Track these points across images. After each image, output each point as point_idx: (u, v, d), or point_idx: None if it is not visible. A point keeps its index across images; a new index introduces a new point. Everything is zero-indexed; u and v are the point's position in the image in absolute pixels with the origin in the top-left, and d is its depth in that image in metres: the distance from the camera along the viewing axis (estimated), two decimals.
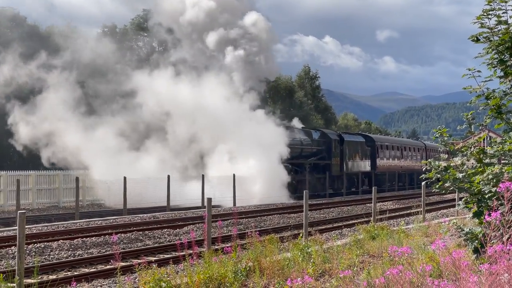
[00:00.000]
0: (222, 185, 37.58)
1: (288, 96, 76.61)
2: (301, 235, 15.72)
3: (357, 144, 52.66)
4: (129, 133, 42.21)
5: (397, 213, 29.80)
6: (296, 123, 49.71)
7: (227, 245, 13.47)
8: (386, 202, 38.78)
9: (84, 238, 20.09)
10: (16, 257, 9.94)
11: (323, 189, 46.80)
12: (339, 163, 49.30)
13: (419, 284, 8.14)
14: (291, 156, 43.07)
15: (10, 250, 17.45)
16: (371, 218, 20.99)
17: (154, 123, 42.68)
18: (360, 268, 11.83)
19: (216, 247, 13.82)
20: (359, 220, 25.97)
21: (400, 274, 8.35)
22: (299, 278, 9.30)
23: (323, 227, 24.43)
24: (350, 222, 26.30)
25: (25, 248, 10.65)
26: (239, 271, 11.00)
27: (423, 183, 25.42)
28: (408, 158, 63.23)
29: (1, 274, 9.70)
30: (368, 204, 34.93)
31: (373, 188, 21.62)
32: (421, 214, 24.20)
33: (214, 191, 35.72)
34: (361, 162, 52.61)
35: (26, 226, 10.74)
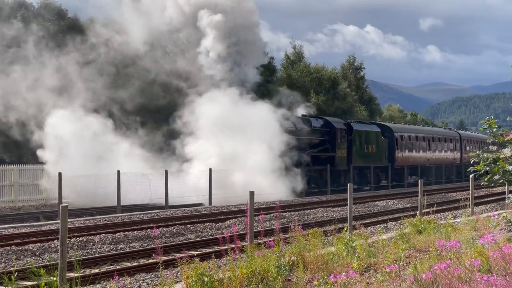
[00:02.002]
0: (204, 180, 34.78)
1: (332, 88, 76.29)
2: (345, 229, 15.66)
3: (370, 134, 47.52)
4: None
5: (444, 207, 29.50)
6: (299, 110, 45.55)
7: (270, 239, 13.49)
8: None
9: (126, 232, 20.28)
10: (59, 251, 10.07)
11: (325, 185, 42.13)
12: (346, 155, 44.35)
13: (468, 280, 8.06)
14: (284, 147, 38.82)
15: (52, 244, 17.70)
16: (417, 212, 20.82)
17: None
18: (407, 263, 11.74)
19: (259, 241, 13.84)
20: (404, 214, 25.79)
21: (448, 269, 8.28)
22: (343, 273, 9.28)
23: (367, 221, 24.32)
24: (396, 215, 26.14)
25: (67, 242, 10.78)
26: (282, 265, 11.00)
27: (471, 175, 25.15)
28: (437, 150, 57.95)
29: (42, 269, 9.83)
30: (413, 198, 34.62)
31: (419, 181, 21.41)
32: (469, 207, 23.94)
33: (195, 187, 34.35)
34: (376, 154, 47.58)
35: (68, 220, 10.88)
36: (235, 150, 36.92)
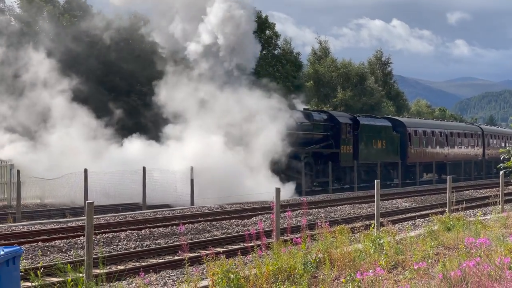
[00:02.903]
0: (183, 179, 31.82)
1: (359, 83, 76.10)
2: (372, 225, 15.61)
3: (379, 129, 44.95)
4: None
5: (474, 203, 29.30)
6: (298, 104, 43.32)
7: (297, 236, 13.46)
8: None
9: (151, 229, 20.37)
10: (85, 247, 10.14)
11: (327, 183, 40.05)
12: (352, 152, 41.88)
13: (497, 277, 8.00)
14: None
15: (78, 240, 17.83)
16: (446, 209, 20.69)
17: None
18: (435, 260, 11.68)
19: (285, 238, 13.83)
20: (433, 211, 25.65)
21: (477, 266, 8.23)
22: (370, 270, 9.25)
23: (395, 218, 24.22)
24: (424, 212, 26.00)
25: (93, 238, 10.87)
26: (309, 262, 10.99)
27: (501, 172, 24.96)
28: (456, 146, 55.48)
29: (69, 264, 9.91)
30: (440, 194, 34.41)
31: (448, 177, 21.27)
32: (499, 204, 23.74)
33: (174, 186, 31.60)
34: (386, 150, 44.96)
35: (94, 216, 10.96)
36: (223, 144, 34.15)
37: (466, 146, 57.64)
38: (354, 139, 42.14)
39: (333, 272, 10.98)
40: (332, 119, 41.65)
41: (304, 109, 42.28)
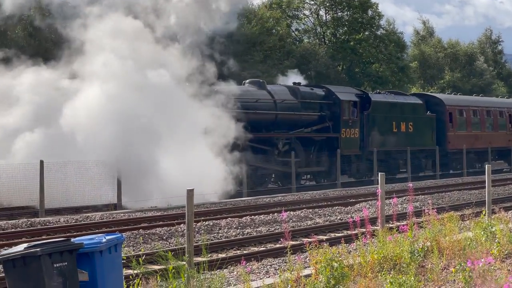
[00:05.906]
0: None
1: (468, 64, 74.41)
2: (483, 212, 15.25)
3: (403, 108, 37.38)
4: None
5: None
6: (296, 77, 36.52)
7: (403, 223, 13.30)
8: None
9: (252, 216, 20.52)
10: (186, 235, 10.29)
11: (327, 175, 33.75)
12: (359, 136, 34.39)
13: None
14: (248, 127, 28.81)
15: (179, 228, 18.14)
16: None
17: None
18: None
19: (391, 225, 13.68)
20: None
21: None
22: (482, 259, 9.04)
23: (508, 204, 23.61)
24: None
25: (194, 226, 11.02)
26: (416, 251, 10.85)
27: None
28: None
29: (170, 252, 10.09)
30: None
31: None
32: None
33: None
34: (413, 134, 37.36)
35: (194, 204, 11.10)
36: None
37: None
38: (363, 121, 34.79)
39: (442, 261, 10.80)
40: (330, 95, 34.04)
41: (293, 83, 34.62)
